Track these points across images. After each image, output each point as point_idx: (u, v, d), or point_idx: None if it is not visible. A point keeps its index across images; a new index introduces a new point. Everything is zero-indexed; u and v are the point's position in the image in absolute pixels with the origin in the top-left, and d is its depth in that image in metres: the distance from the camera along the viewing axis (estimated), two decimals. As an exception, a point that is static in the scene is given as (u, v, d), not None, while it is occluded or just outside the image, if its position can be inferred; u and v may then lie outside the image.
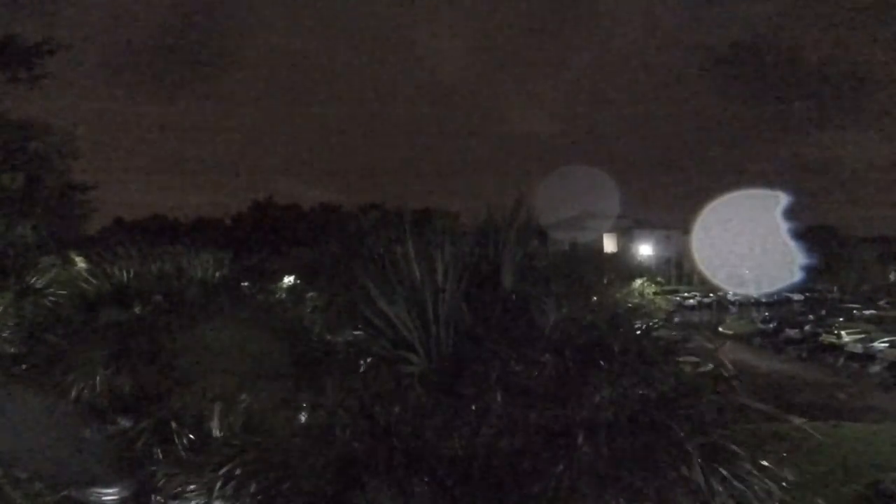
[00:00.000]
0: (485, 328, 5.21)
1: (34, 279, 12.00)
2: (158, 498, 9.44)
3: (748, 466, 4.58)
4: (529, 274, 5.62)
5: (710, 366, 5.33)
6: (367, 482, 4.36)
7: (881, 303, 69.19)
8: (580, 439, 4.64)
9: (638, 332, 5.38)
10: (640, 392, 4.99)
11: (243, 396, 6.20)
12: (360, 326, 5.64)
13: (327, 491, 4.46)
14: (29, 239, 17.28)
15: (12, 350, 9.96)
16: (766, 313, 64.78)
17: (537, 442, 4.83)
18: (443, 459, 4.72)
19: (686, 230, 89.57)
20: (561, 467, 4.57)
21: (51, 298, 10.96)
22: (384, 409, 4.98)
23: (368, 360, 5.48)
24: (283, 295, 10.86)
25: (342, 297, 5.83)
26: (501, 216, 5.89)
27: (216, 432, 6.38)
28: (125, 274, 10.31)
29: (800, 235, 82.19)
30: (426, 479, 4.50)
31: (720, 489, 4.46)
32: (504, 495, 4.69)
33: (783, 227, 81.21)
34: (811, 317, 58.03)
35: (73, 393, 8.88)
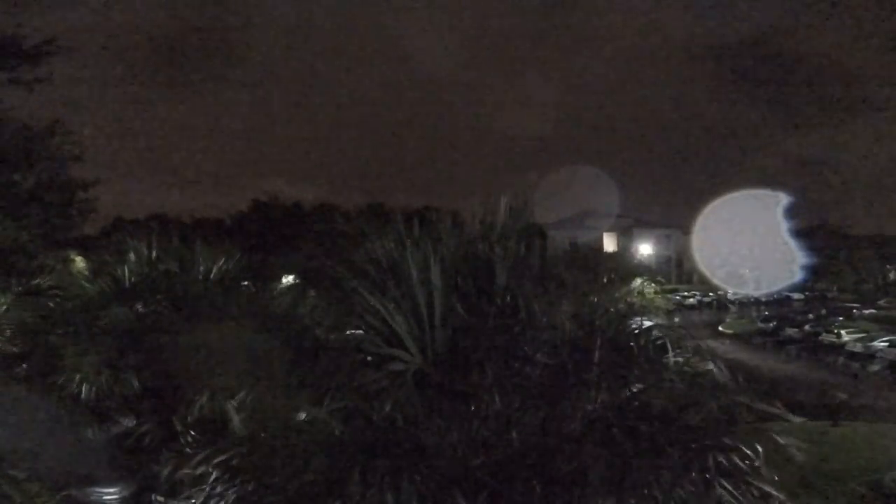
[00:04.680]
0: (480, 326, 5.23)
1: (37, 279, 12.03)
2: (159, 497, 9.47)
3: (748, 466, 4.59)
4: (525, 272, 5.64)
5: (710, 365, 5.34)
6: (362, 481, 4.38)
7: (881, 302, 69.18)
8: (577, 441, 4.66)
9: (637, 332, 5.40)
10: (638, 392, 5.02)
11: (246, 395, 6.23)
12: (356, 325, 5.67)
13: (323, 489, 4.48)
14: (32, 239, 17.30)
15: (14, 350, 9.97)
16: (766, 312, 64.79)
17: (534, 441, 4.85)
18: (439, 458, 4.74)
19: (686, 229, 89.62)
20: (559, 468, 4.59)
21: (54, 298, 10.98)
22: (378, 407, 5.00)
23: (365, 358, 5.50)
24: (283, 294, 10.87)
25: (339, 296, 5.86)
26: (496, 214, 5.91)
27: (236, 429, 6.40)
28: (127, 273, 10.33)
29: (800, 234, 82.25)
30: (422, 479, 4.52)
31: (720, 489, 4.48)
32: (502, 495, 4.71)
33: (783, 226, 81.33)
34: (811, 316, 58.03)
35: (75, 393, 8.90)
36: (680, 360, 5.26)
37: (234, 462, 4.83)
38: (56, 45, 18.51)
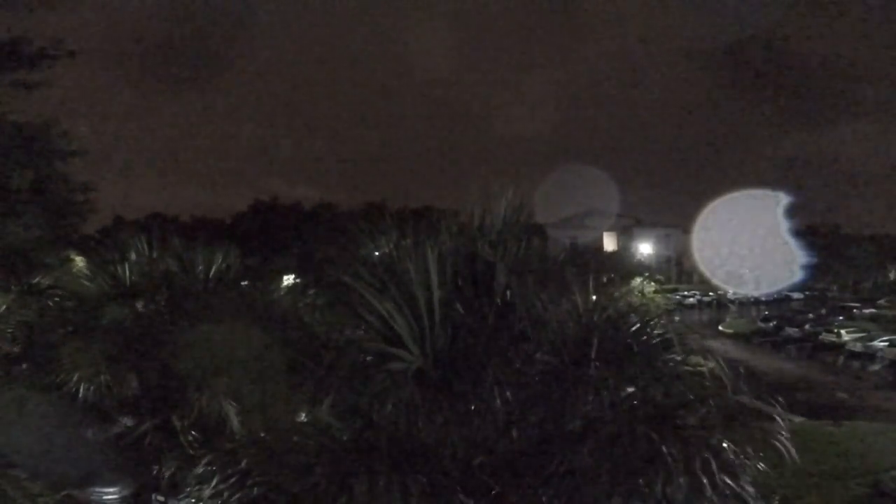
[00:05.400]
0: (480, 326, 5.23)
1: (38, 278, 12.02)
2: (159, 497, 9.47)
3: (747, 466, 4.59)
4: (525, 272, 5.63)
5: (710, 364, 5.34)
6: (363, 479, 4.38)
7: (881, 301, 69.17)
8: (577, 440, 4.66)
9: (636, 331, 5.40)
10: (638, 391, 5.02)
11: (246, 395, 6.23)
12: (356, 324, 5.67)
13: (324, 488, 4.48)
14: (33, 238, 17.32)
15: (14, 349, 9.96)
16: (766, 312, 64.77)
17: (534, 440, 4.85)
18: (440, 457, 4.74)
19: (686, 229, 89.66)
20: (559, 466, 4.59)
21: (53, 298, 10.97)
22: (379, 406, 5.00)
23: (365, 357, 5.50)
24: (283, 294, 10.87)
25: (339, 295, 5.86)
26: (495, 214, 5.91)
27: (235, 429, 6.42)
28: (127, 272, 10.32)
29: (800, 234, 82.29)
30: (423, 478, 4.52)
31: (719, 488, 4.48)
32: (503, 494, 4.71)
33: (783, 226, 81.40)
34: (811, 315, 58.03)
35: (75, 392, 8.89)
36: (679, 358, 5.26)
37: (237, 463, 4.83)
38: (59, 50, 18.51)
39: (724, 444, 4.52)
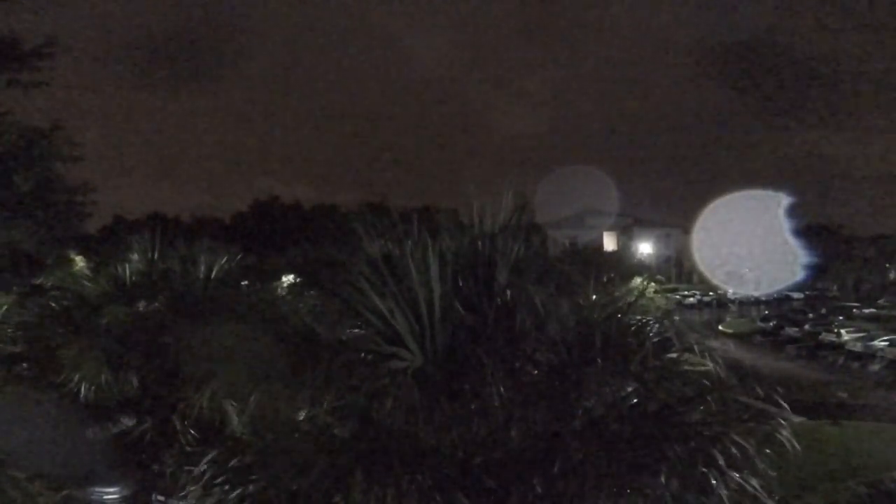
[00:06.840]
0: (480, 325, 5.24)
1: (39, 279, 12.05)
2: (159, 497, 9.48)
3: (747, 466, 4.59)
4: (525, 271, 5.64)
5: (709, 364, 5.34)
6: (362, 480, 4.38)
7: (881, 301, 69.17)
8: (578, 438, 4.67)
9: (636, 329, 5.40)
10: (638, 390, 5.02)
11: (246, 395, 6.23)
12: (357, 323, 5.68)
13: (325, 489, 4.48)
14: (35, 241, 17.34)
15: (15, 349, 9.97)
16: (766, 312, 64.77)
17: (535, 439, 4.85)
18: (440, 457, 4.74)
19: (686, 229, 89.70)
20: (560, 466, 4.59)
21: (55, 298, 10.98)
22: (379, 406, 5.00)
23: (366, 356, 5.51)
24: (283, 293, 10.88)
25: (340, 294, 5.87)
26: (496, 212, 5.92)
27: (235, 429, 6.41)
28: (128, 272, 10.34)
29: (800, 234, 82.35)
30: (423, 477, 4.52)
31: (719, 489, 4.48)
32: (503, 494, 4.71)
33: (783, 226, 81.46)
34: (811, 315, 58.02)
35: (75, 392, 8.90)
36: (679, 357, 5.26)
37: (237, 462, 4.83)
38: (56, 48, 18.48)
39: (725, 442, 4.52)
